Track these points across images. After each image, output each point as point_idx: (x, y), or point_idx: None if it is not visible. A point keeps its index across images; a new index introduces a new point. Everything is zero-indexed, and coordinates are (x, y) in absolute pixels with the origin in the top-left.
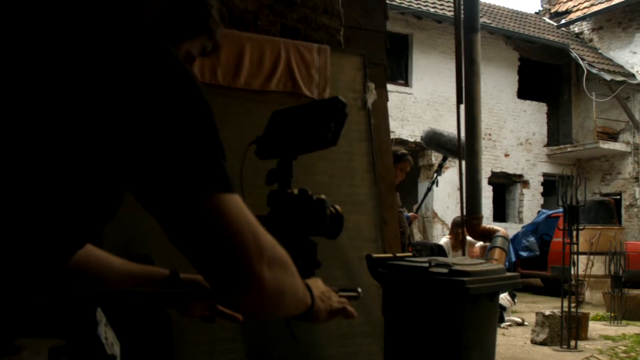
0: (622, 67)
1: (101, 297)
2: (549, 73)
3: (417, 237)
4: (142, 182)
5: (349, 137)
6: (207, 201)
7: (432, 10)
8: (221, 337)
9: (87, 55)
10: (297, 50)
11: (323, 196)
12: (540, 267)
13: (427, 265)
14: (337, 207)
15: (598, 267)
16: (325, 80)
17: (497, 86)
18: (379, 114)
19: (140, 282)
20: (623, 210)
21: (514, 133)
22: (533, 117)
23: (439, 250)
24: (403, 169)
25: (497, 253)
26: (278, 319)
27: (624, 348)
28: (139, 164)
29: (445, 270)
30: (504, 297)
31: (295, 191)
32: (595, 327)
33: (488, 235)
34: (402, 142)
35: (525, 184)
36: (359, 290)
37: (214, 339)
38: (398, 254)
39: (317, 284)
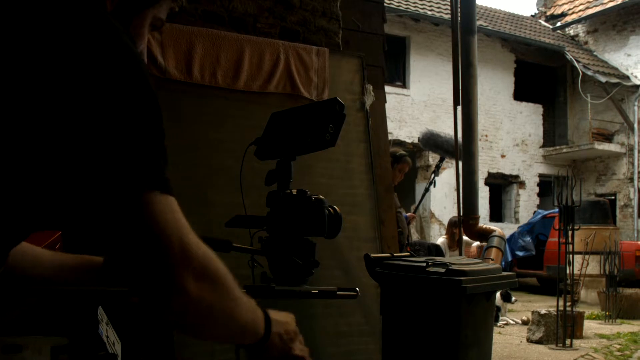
0: (616, 69)
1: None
2: (544, 75)
3: (415, 237)
4: (72, 173)
5: (347, 138)
6: (135, 197)
7: (429, 13)
8: None
9: (27, 38)
10: (296, 53)
11: (322, 197)
12: (536, 266)
13: (424, 264)
14: (336, 207)
15: (593, 266)
16: (324, 82)
17: (494, 88)
18: (377, 116)
19: (74, 273)
20: (618, 211)
21: (510, 134)
22: (529, 118)
23: (436, 250)
24: (402, 170)
25: (493, 253)
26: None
27: (618, 346)
28: (70, 154)
29: (442, 270)
30: (497, 299)
31: (294, 192)
32: (590, 326)
33: (484, 235)
34: (399, 143)
35: (522, 184)
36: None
37: None
38: (396, 254)
39: (286, 321)
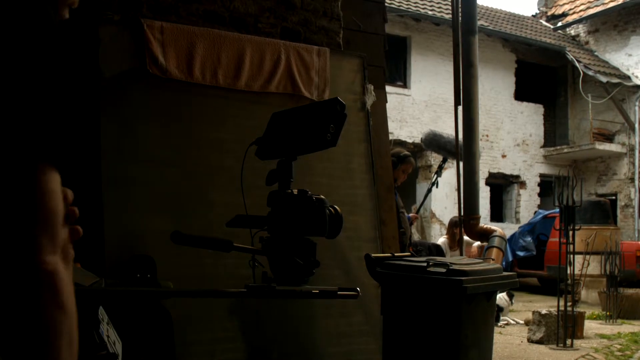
0: (617, 69)
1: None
2: (545, 75)
3: (416, 237)
4: None
5: (348, 138)
6: (24, 167)
7: (430, 12)
8: (221, 336)
9: None
10: (297, 53)
11: (322, 197)
12: (536, 266)
13: (425, 264)
14: (337, 207)
15: (594, 266)
16: (325, 82)
17: (495, 88)
18: (378, 116)
19: None
20: (619, 211)
21: (511, 134)
22: (530, 118)
23: (437, 250)
24: (405, 171)
25: (494, 253)
26: (276, 317)
27: (619, 347)
28: None
29: (443, 270)
30: (501, 297)
31: (295, 192)
32: (591, 326)
33: (485, 235)
34: (400, 143)
35: (522, 184)
36: (358, 289)
37: (214, 338)
38: (396, 254)
39: None
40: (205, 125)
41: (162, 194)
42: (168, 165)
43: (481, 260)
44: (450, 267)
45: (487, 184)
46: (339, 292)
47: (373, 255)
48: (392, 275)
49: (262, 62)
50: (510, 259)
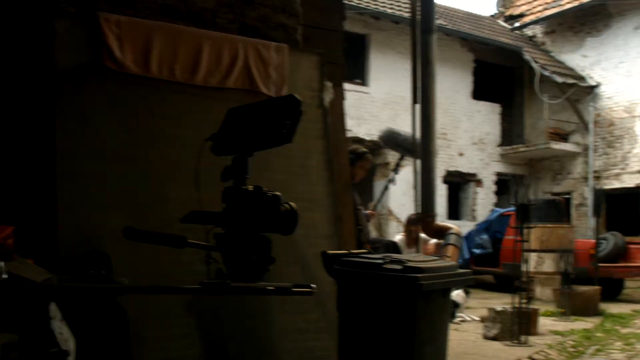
0: (573, 70)
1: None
2: (503, 75)
3: (373, 234)
4: None
5: (306, 135)
6: None
7: (389, 11)
8: (177, 332)
9: None
10: (255, 49)
11: (278, 193)
12: (492, 264)
13: (381, 262)
14: (292, 203)
15: (548, 264)
16: (283, 78)
17: (453, 87)
18: (336, 113)
19: None
20: (573, 209)
21: (469, 133)
22: (487, 117)
23: (394, 247)
24: (363, 167)
25: (450, 250)
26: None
27: (572, 343)
28: None
29: (399, 267)
30: (457, 294)
31: (250, 188)
32: (545, 323)
33: (441, 232)
34: (358, 140)
35: (479, 182)
36: (313, 286)
37: (170, 335)
38: (353, 251)
39: None
40: (163, 120)
41: (119, 190)
42: (125, 161)
43: (437, 258)
44: (406, 264)
45: (444, 182)
46: (293, 289)
47: (329, 252)
48: (349, 272)
49: (220, 57)
50: (467, 256)
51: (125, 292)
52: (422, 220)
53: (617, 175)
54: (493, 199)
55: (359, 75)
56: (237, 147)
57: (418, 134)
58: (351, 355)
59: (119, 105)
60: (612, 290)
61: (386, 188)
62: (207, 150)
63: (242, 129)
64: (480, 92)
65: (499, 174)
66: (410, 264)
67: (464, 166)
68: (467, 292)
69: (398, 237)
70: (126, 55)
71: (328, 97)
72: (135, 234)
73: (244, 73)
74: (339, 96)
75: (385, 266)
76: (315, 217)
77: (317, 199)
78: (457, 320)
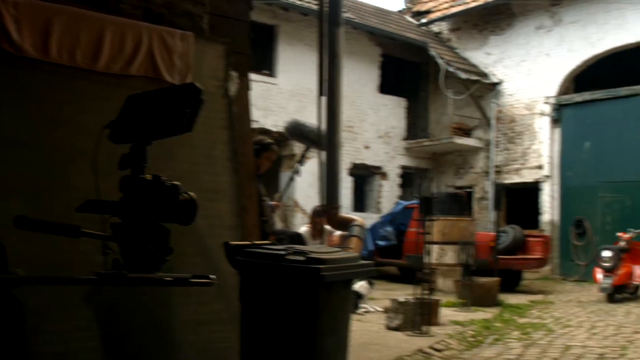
0: (476, 67)
1: None
2: (409, 69)
3: (279, 225)
4: None
5: (210, 125)
6: None
7: (298, 2)
8: (77, 325)
9: None
10: (159, 36)
11: (177, 182)
12: (396, 255)
13: (284, 253)
14: (191, 193)
15: (450, 256)
16: (188, 66)
17: (360, 80)
18: (241, 103)
19: None
20: (474, 203)
21: (375, 126)
22: (393, 111)
23: (299, 238)
24: (269, 158)
25: (354, 242)
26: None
27: (472, 332)
28: None
29: (301, 258)
30: (361, 285)
31: (149, 177)
32: (446, 313)
33: (345, 224)
34: (265, 131)
35: (384, 175)
36: (212, 277)
37: (70, 327)
38: (257, 242)
39: None
40: (64, 107)
41: (18, 177)
42: (25, 147)
43: (340, 249)
44: (309, 256)
45: (350, 174)
46: (192, 280)
47: (232, 243)
48: (251, 263)
49: (123, 43)
50: (371, 248)
51: (19, 283)
52: (326, 212)
53: (517, 170)
54: (398, 191)
55: (267, 66)
56: (135, 135)
57: (324, 126)
58: (253, 346)
59: (18, 90)
60: (511, 282)
61: (291, 179)
62: (107, 138)
63: (140, 116)
64: (386, 86)
65: (403, 167)
66: (312, 255)
67: (369, 159)
68: (370, 283)
69: (303, 228)
70: (24, 38)
71: (233, 87)
72: (26, 223)
73: (148, 60)
74: (245, 86)
75: (287, 257)
76: (219, 207)
77: (221, 189)
78: (360, 311)
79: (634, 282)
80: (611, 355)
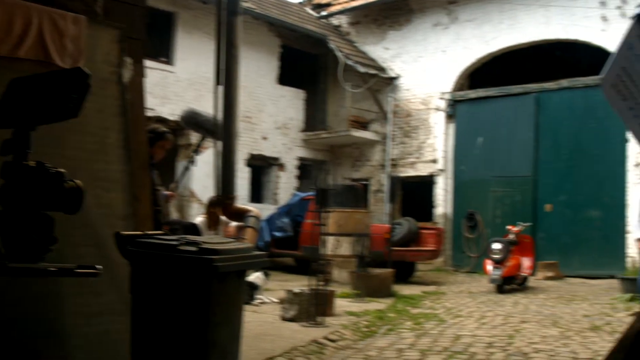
0: (375, 61)
1: None
2: (308, 61)
3: (174, 215)
4: None
5: (103, 111)
6: None
7: None
8: None
9: None
10: (50, 18)
11: (62, 170)
12: (293, 247)
13: (176, 243)
14: (78, 181)
15: (345, 247)
16: (80, 51)
17: (259, 71)
18: (135, 90)
19: None
20: (370, 195)
21: (273, 117)
22: (291, 103)
23: (194, 229)
24: (163, 147)
25: (249, 233)
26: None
27: (366, 323)
28: None
29: (194, 249)
30: (257, 276)
31: (32, 163)
32: (341, 304)
33: (241, 215)
34: (162, 120)
35: (282, 166)
36: (98, 267)
37: None
38: (150, 232)
39: None
40: None
41: None
42: None
43: (234, 240)
44: (202, 246)
45: (247, 165)
46: (77, 270)
47: (123, 233)
48: (142, 253)
49: (11, 25)
50: (268, 239)
51: None
52: (221, 202)
53: (413, 163)
54: (295, 183)
55: (165, 54)
56: (18, 120)
57: (220, 116)
58: (144, 338)
59: None
60: (405, 273)
61: (186, 169)
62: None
63: (24, 100)
64: (285, 78)
65: (301, 159)
66: (205, 245)
67: (267, 150)
68: (266, 275)
69: (199, 219)
70: None
71: (127, 73)
72: None
73: (38, 43)
74: (139, 73)
75: (180, 248)
76: (112, 197)
77: (114, 178)
78: (256, 302)
79: (522, 274)
80: (499, 343)
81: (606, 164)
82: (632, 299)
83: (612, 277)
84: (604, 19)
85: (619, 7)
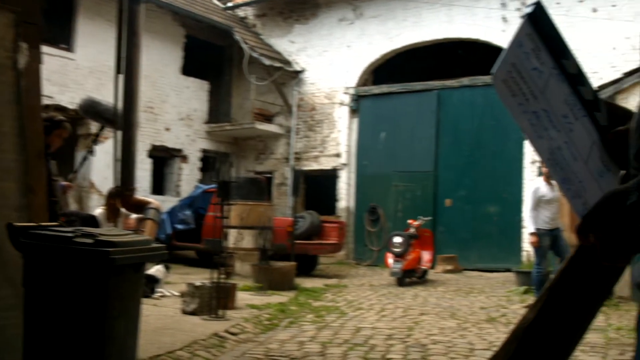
0: (280, 54)
1: None
2: (213, 52)
3: (73, 207)
4: None
5: None
6: None
7: None
8: None
9: None
10: None
11: None
12: (195, 239)
13: (72, 235)
14: None
15: (248, 240)
16: None
17: (162, 60)
18: (31, 77)
19: None
20: (274, 188)
21: (176, 108)
22: (195, 94)
23: (93, 221)
24: (60, 136)
25: (148, 225)
26: None
27: (267, 316)
28: None
29: (90, 241)
30: (158, 269)
31: None
32: (243, 297)
33: (141, 207)
34: (61, 108)
35: (185, 158)
36: None
37: None
38: (45, 224)
39: None
40: None
41: None
42: None
43: (132, 232)
44: (98, 238)
45: (149, 156)
46: None
47: (16, 224)
48: (36, 245)
49: None
50: (169, 231)
51: None
52: (121, 194)
53: (316, 157)
54: (198, 175)
55: (65, 40)
56: None
57: (120, 105)
58: (38, 334)
59: None
60: (308, 266)
61: (85, 159)
62: None
63: None
64: (190, 68)
65: (204, 151)
66: (102, 237)
67: (170, 141)
68: (167, 268)
69: (98, 210)
70: None
71: (23, 59)
72: None
73: None
74: (36, 60)
75: (75, 240)
76: (5, 186)
77: (7, 167)
78: (156, 295)
79: (422, 267)
80: (399, 336)
81: (504, 161)
82: (526, 292)
83: (508, 270)
84: (505, 19)
85: (518, 9)
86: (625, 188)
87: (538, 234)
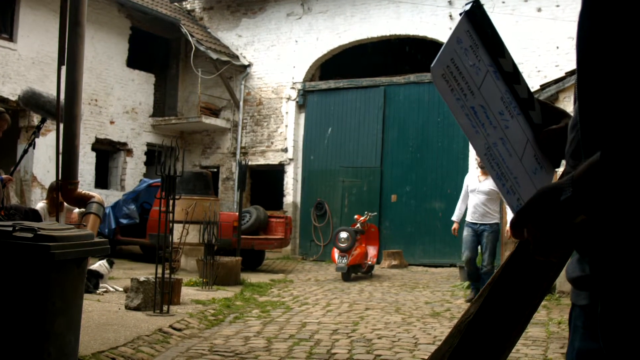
0: (228, 48)
1: None
2: (159, 45)
3: (14, 201)
4: None
5: None
6: None
7: None
8: None
9: None
10: None
11: None
12: (140, 234)
13: (11, 229)
14: None
15: (193, 235)
16: None
17: (107, 52)
18: None
19: None
20: (220, 183)
21: (121, 101)
22: (141, 87)
23: (34, 215)
24: (0, 127)
25: (90, 219)
26: None
27: (212, 311)
28: None
29: (30, 235)
30: (101, 265)
31: None
32: (188, 292)
33: (84, 201)
34: (2, 100)
35: (129, 152)
36: None
37: None
38: None
39: None
40: None
41: None
42: None
43: (73, 227)
44: (38, 233)
45: (93, 149)
46: None
47: None
48: None
49: None
50: (114, 226)
51: None
52: (63, 187)
53: (263, 152)
54: (143, 169)
55: (6, 30)
56: None
57: (63, 97)
58: None
59: None
60: (254, 261)
61: (25, 152)
62: None
63: None
64: (135, 61)
65: (149, 145)
66: (42, 232)
67: (114, 134)
68: (111, 263)
69: (40, 204)
70: None
71: None
72: None
73: None
74: None
75: (15, 234)
76: None
77: None
78: (100, 291)
79: (368, 262)
80: (344, 330)
81: (450, 157)
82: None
83: (453, 265)
84: (451, 17)
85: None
86: (559, 184)
87: (459, 223)
